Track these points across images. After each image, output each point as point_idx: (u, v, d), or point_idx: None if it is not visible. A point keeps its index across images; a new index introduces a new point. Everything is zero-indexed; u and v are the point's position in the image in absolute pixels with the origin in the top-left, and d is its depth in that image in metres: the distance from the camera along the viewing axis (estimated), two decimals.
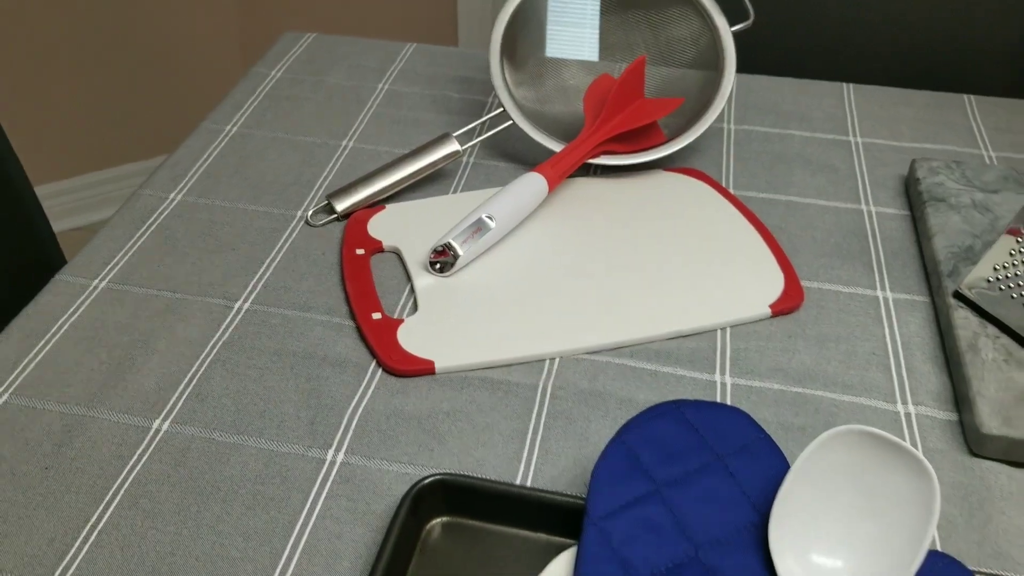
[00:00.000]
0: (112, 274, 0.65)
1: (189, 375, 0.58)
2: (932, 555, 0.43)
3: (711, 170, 0.77)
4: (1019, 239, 0.57)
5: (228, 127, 0.82)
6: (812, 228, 0.71)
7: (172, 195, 0.73)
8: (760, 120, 0.83)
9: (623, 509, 0.45)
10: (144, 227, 0.70)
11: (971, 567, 0.47)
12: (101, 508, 0.50)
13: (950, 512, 0.50)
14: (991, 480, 0.51)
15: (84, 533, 0.48)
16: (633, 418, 0.49)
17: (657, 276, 0.65)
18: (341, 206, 0.71)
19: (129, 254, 0.67)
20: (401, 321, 0.61)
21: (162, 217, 0.71)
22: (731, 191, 0.74)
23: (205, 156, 0.78)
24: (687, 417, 0.49)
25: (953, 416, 0.55)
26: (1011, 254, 0.58)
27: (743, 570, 0.43)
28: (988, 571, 0.45)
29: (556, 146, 0.73)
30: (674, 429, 0.48)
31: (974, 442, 0.52)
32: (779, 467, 0.47)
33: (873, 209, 0.73)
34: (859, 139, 0.81)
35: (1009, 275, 0.58)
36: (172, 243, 0.69)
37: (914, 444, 0.54)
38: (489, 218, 0.65)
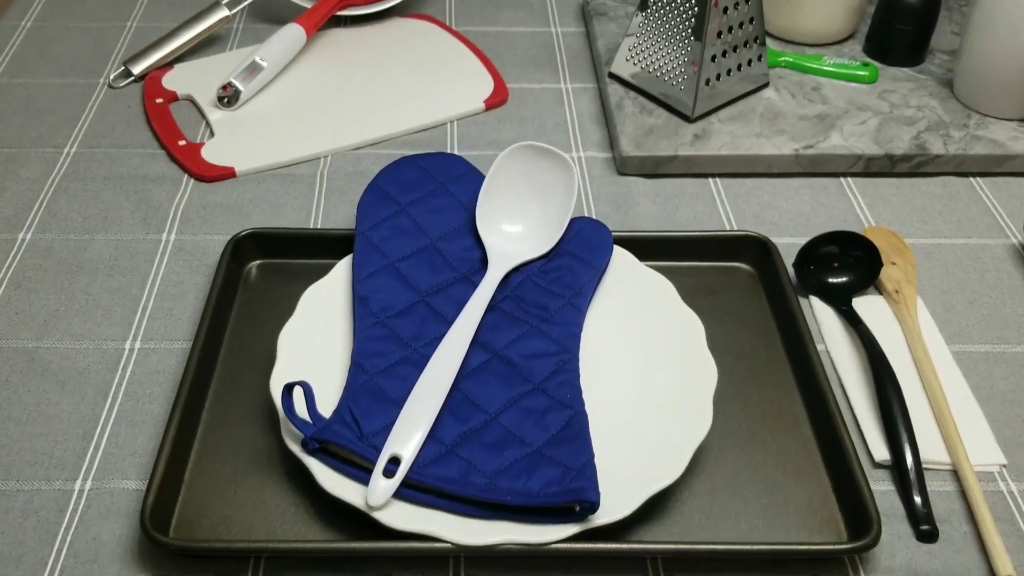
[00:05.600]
0: None
1: (38, 202, 0.73)
2: (585, 219, 0.67)
3: (438, 15, 0.97)
4: (644, 18, 0.80)
5: (23, 22, 0.94)
6: (515, 48, 0.93)
7: None
8: None
9: (380, 223, 0.65)
10: None
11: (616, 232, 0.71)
12: None
13: (606, 210, 0.74)
14: (632, 187, 0.76)
15: None
16: (382, 169, 0.69)
17: (399, 90, 0.85)
18: (137, 69, 0.86)
19: None
20: (203, 144, 0.79)
21: None
22: (454, 28, 0.95)
23: (9, 46, 0.91)
24: (420, 163, 0.70)
25: (609, 155, 0.79)
26: (637, 36, 0.81)
27: (463, 247, 0.65)
28: (624, 231, 0.69)
29: (308, 4, 0.91)
30: (412, 171, 0.69)
31: (620, 164, 0.77)
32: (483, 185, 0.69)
33: (559, 30, 0.95)
34: None
35: (638, 54, 0.81)
36: None
37: (582, 174, 0.77)
38: (261, 60, 0.83)
